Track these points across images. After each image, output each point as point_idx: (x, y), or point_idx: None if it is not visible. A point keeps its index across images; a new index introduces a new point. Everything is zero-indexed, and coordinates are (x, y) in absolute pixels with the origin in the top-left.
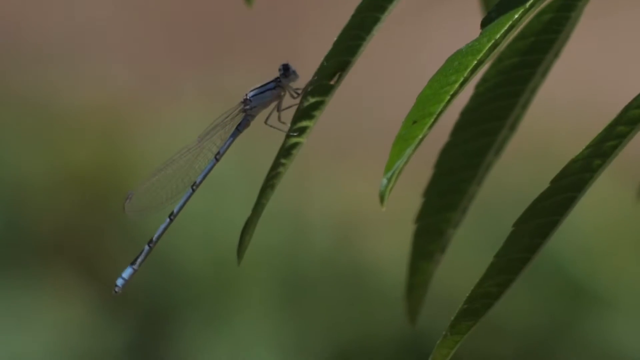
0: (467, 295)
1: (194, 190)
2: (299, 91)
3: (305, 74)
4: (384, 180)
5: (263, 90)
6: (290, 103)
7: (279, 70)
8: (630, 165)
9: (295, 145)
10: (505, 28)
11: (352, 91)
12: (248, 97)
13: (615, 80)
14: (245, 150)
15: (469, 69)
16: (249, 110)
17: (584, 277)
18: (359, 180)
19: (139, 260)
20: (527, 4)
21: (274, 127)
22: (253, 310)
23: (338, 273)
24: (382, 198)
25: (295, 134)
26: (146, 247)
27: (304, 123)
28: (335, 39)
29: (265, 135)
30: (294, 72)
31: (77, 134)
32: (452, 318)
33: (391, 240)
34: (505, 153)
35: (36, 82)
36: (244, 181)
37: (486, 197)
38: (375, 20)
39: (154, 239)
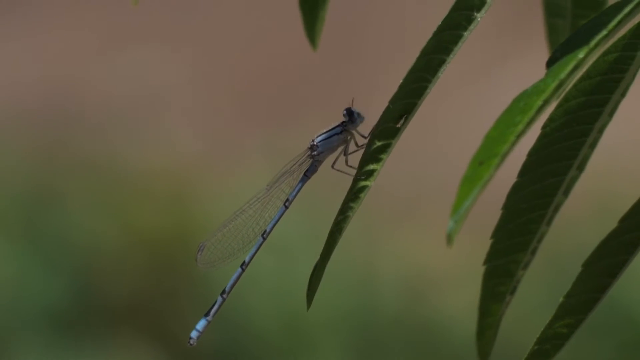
0: (537, 336)
1: (264, 239)
2: (366, 134)
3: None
4: (451, 223)
5: (330, 135)
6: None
7: (343, 114)
8: None
9: (363, 188)
10: (570, 68)
11: (414, 150)
12: (315, 143)
13: None
14: (310, 207)
15: (534, 109)
16: (316, 155)
17: None
18: (424, 238)
19: (213, 311)
20: (592, 44)
21: (342, 171)
22: None
23: (408, 331)
24: (449, 240)
25: (362, 178)
26: (219, 298)
27: (371, 166)
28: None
29: (328, 190)
30: (358, 114)
31: (146, 198)
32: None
33: (459, 296)
34: (570, 210)
35: (104, 149)
36: (309, 238)
37: (550, 254)
38: (441, 62)
39: (226, 289)
